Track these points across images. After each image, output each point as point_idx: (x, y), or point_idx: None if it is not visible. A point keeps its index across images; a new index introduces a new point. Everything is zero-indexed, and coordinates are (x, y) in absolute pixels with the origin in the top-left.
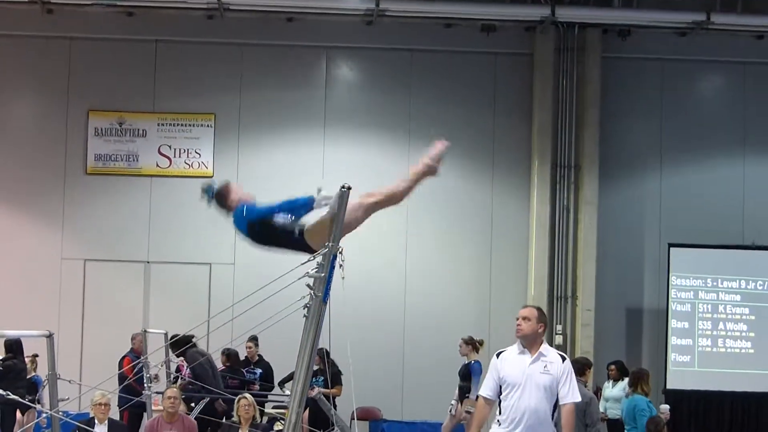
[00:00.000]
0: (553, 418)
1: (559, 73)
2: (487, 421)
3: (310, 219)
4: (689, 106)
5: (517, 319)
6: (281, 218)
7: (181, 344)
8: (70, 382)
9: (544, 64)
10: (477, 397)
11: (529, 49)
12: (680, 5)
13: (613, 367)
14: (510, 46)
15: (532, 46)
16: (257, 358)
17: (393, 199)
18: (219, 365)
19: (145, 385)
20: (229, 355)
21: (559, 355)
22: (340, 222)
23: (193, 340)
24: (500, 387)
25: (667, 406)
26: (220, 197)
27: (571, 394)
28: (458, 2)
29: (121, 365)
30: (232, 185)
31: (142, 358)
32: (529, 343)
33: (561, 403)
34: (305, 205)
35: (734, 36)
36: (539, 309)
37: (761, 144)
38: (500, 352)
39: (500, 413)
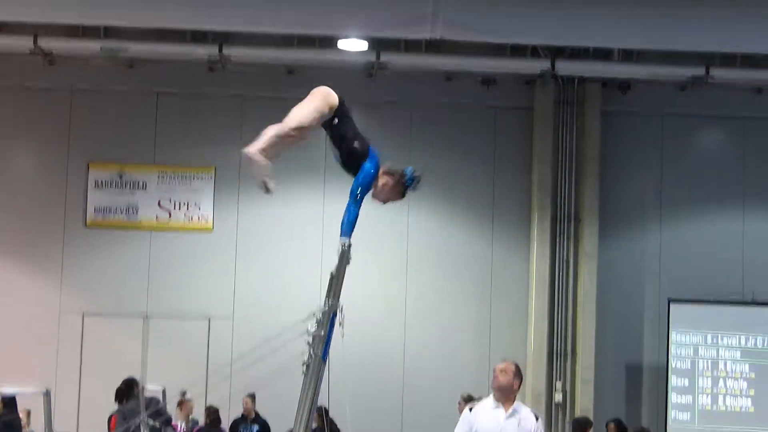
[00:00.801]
0: None
1: (559, 127)
2: None
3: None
4: (689, 160)
5: (495, 370)
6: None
7: (120, 394)
8: None
9: (544, 117)
10: None
11: (529, 103)
12: (680, 59)
13: (612, 425)
14: (510, 100)
15: (532, 99)
16: (254, 414)
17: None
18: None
19: None
20: (209, 413)
21: (533, 413)
22: (340, 280)
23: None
24: None
25: None
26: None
27: None
28: (458, 55)
29: (109, 425)
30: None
31: (141, 414)
32: (504, 396)
33: None
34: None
35: (733, 90)
36: (517, 366)
37: (761, 198)
38: (472, 407)
39: None
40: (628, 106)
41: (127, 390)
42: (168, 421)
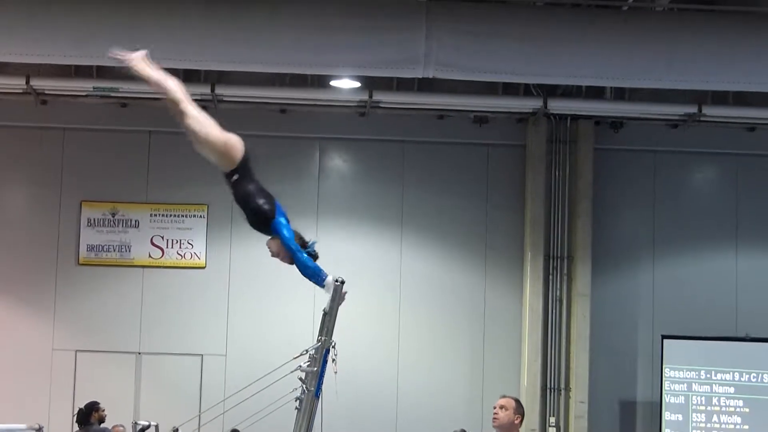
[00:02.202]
0: None
1: (552, 164)
2: None
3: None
4: (681, 198)
5: (494, 408)
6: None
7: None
8: None
9: (537, 155)
10: None
11: (521, 141)
12: (672, 98)
13: None
14: (502, 138)
15: (524, 137)
16: None
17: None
18: None
19: None
20: None
21: None
22: (333, 316)
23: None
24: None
25: None
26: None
27: None
28: (450, 94)
29: None
30: None
31: None
32: None
33: None
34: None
35: (726, 128)
36: (517, 400)
37: (753, 235)
38: None
39: None
40: (620, 144)
41: (87, 414)
42: None
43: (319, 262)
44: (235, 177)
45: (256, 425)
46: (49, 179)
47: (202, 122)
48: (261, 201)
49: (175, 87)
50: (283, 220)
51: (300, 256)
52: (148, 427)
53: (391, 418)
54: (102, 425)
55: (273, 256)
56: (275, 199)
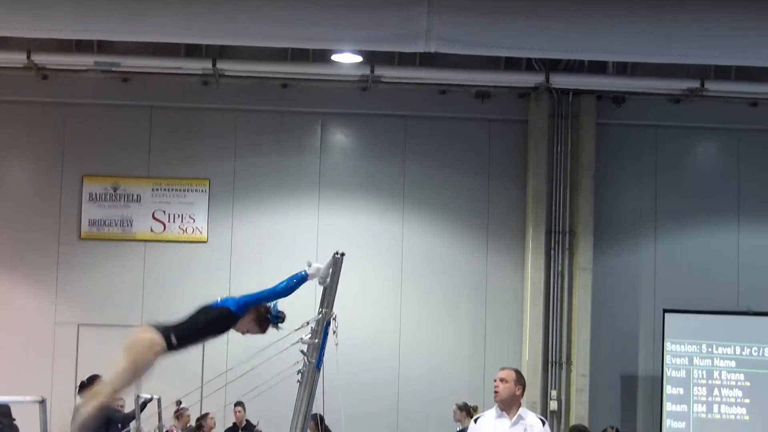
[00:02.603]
0: None
1: (554, 140)
2: None
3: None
4: (683, 173)
5: (495, 380)
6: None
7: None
8: None
9: (539, 130)
10: None
11: (523, 116)
12: (674, 72)
13: (608, 431)
14: (504, 113)
15: (526, 112)
16: (245, 422)
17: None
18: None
19: None
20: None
21: (539, 418)
22: (334, 288)
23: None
24: None
25: None
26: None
27: None
28: (452, 69)
29: None
30: None
31: (134, 423)
32: (507, 405)
33: None
34: (301, 280)
35: (728, 103)
36: (517, 371)
37: (755, 210)
38: (478, 418)
39: None
40: (622, 119)
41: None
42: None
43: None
44: (174, 342)
45: (258, 398)
46: (50, 154)
47: (116, 382)
48: (210, 316)
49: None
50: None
51: (265, 293)
52: (150, 400)
53: (392, 391)
54: None
55: (244, 333)
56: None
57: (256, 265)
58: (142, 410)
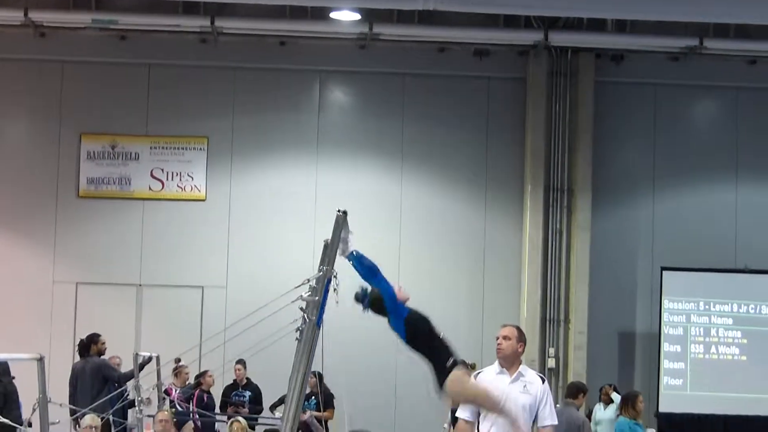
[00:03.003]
0: None
1: (552, 98)
2: None
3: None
4: (682, 131)
5: (497, 338)
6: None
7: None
8: (60, 405)
9: (537, 88)
10: (456, 420)
11: (522, 74)
12: (673, 30)
13: (605, 388)
14: (503, 71)
15: (525, 70)
16: (245, 380)
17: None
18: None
19: (137, 408)
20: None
21: (538, 376)
22: (334, 245)
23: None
24: (479, 409)
25: (653, 431)
26: (376, 298)
27: (551, 416)
28: (451, 27)
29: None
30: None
31: (133, 380)
32: (509, 362)
33: (540, 425)
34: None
35: (727, 61)
36: (519, 329)
37: (753, 168)
38: (478, 373)
39: None
40: (621, 77)
41: (87, 345)
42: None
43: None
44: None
45: (257, 356)
46: (48, 112)
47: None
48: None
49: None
50: (397, 321)
51: (387, 289)
52: (150, 359)
53: (391, 348)
54: (101, 357)
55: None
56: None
57: (254, 223)
58: (141, 369)
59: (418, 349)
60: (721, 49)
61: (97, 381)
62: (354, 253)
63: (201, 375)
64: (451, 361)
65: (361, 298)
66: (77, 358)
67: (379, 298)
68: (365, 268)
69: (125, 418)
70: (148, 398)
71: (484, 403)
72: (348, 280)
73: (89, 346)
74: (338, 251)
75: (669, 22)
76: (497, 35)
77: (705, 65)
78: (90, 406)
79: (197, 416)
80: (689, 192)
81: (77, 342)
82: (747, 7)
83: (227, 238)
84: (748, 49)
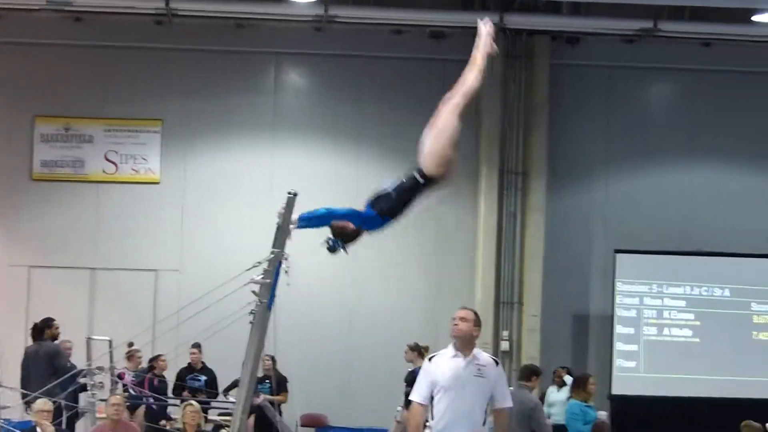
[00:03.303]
0: (484, 423)
1: (508, 80)
2: None
3: (425, 157)
4: (637, 113)
5: (454, 319)
6: (390, 185)
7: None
8: (11, 389)
9: (493, 70)
10: (409, 403)
11: None
12: (628, 13)
13: (559, 370)
14: (459, 53)
15: None
16: (201, 365)
17: (473, 93)
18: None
19: (89, 392)
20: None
21: (492, 359)
22: (286, 228)
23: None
24: (432, 391)
25: (605, 413)
26: (340, 232)
27: (506, 399)
28: (407, 9)
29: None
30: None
31: (86, 365)
32: (464, 344)
33: (495, 407)
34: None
35: (682, 43)
36: (476, 312)
37: (707, 151)
38: (432, 356)
39: (432, 418)
40: (576, 59)
41: (41, 330)
42: None
43: (275, 178)
44: (422, 181)
45: (212, 339)
46: (1, 94)
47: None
48: (399, 209)
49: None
50: (373, 221)
51: (341, 213)
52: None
53: (345, 331)
54: (54, 342)
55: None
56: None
57: (208, 206)
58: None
59: (404, 210)
60: (676, 32)
61: (50, 366)
62: (299, 218)
63: (154, 359)
64: (417, 174)
65: (333, 247)
66: (30, 342)
67: (342, 228)
68: (315, 219)
69: (77, 402)
70: (100, 382)
71: (450, 120)
72: (301, 263)
73: (43, 330)
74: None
75: (624, 4)
76: (453, 17)
77: (660, 47)
78: (40, 390)
79: (150, 400)
80: (643, 174)
81: (30, 326)
82: None
83: (181, 221)
84: (703, 31)
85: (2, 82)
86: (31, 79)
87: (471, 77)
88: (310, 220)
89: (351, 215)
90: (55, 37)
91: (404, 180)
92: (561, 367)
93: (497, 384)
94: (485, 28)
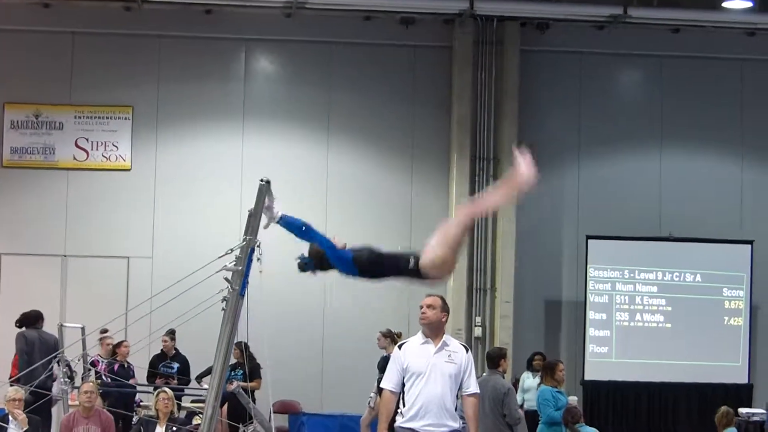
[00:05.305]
0: (456, 409)
1: (478, 66)
2: None
3: (426, 251)
4: (607, 100)
5: (422, 306)
6: (383, 248)
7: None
8: None
9: (463, 56)
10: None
11: (447, 42)
12: None
13: (537, 357)
14: (429, 39)
15: (450, 38)
16: (174, 352)
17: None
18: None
19: (61, 380)
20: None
21: (462, 345)
22: (258, 214)
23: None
24: (403, 378)
25: (575, 398)
26: (317, 254)
27: (475, 384)
28: None
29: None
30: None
31: (58, 352)
32: (433, 331)
33: (465, 393)
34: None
35: (651, 29)
36: (443, 299)
37: (677, 137)
38: (402, 344)
39: (404, 405)
40: (546, 46)
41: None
42: None
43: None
44: (413, 269)
45: (185, 327)
46: None
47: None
48: (375, 272)
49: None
50: (348, 265)
51: (323, 241)
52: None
53: (318, 318)
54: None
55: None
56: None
57: (179, 193)
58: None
59: (379, 275)
60: (646, 18)
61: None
62: (282, 217)
63: (117, 345)
64: (412, 260)
65: (304, 266)
66: (3, 328)
67: (320, 252)
68: (297, 228)
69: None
70: (74, 370)
71: (460, 230)
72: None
73: (38, 319)
74: (266, 219)
75: None
76: (423, 4)
77: (629, 34)
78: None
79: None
80: (614, 160)
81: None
82: None
83: (153, 208)
84: (672, 17)
85: None
86: (0, 66)
87: (493, 200)
88: (290, 225)
89: (325, 244)
90: (24, 24)
91: (399, 254)
92: (536, 353)
93: (467, 370)
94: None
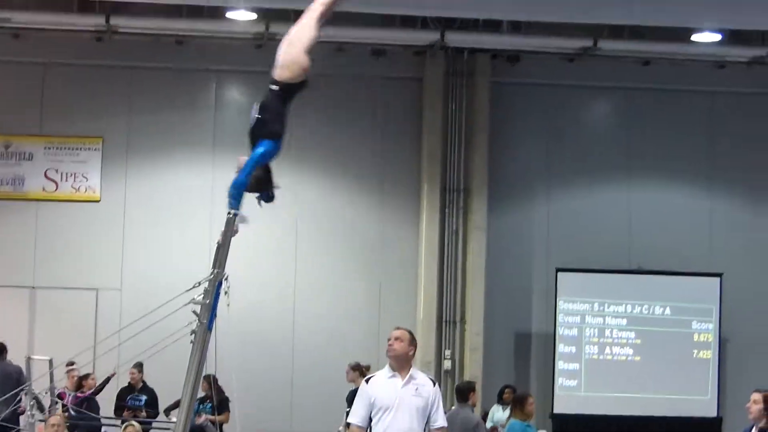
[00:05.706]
0: None
1: (449, 98)
2: None
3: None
4: (577, 131)
5: (389, 339)
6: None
7: None
8: None
9: (434, 88)
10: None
11: (418, 74)
12: (568, 31)
13: (508, 390)
14: (400, 71)
15: (421, 70)
16: (141, 384)
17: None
18: None
19: (29, 412)
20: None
21: (429, 378)
22: (226, 248)
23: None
24: (371, 413)
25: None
26: (256, 186)
27: (443, 418)
28: (349, 26)
29: None
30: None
31: (26, 384)
32: (400, 365)
33: (433, 427)
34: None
35: (621, 62)
36: (411, 332)
37: (646, 169)
38: (369, 378)
39: None
40: (517, 78)
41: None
42: None
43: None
44: (277, 89)
45: (154, 359)
46: None
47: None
48: (278, 124)
49: None
50: (268, 149)
51: (245, 172)
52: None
53: (287, 350)
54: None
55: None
56: (283, 133)
57: (149, 224)
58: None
59: (282, 120)
60: (615, 50)
61: (17, 384)
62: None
63: (84, 378)
64: (272, 86)
65: (265, 200)
66: None
67: (257, 178)
68: (237, 195)
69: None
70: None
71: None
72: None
73: (2, 351)
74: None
75: (564, 23)
76: (394, 35)
77: (599, 66)
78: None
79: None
80: (584, 193)
81: None
82: (640, 9)
83: (122, 239)
84: (642, 50)
85: None
86: None
87: None
88: (236, 198)
89: (253, 164)
90: None
91: (264, 100)
92: (506, 386)
93: (435, 404)
94: None
